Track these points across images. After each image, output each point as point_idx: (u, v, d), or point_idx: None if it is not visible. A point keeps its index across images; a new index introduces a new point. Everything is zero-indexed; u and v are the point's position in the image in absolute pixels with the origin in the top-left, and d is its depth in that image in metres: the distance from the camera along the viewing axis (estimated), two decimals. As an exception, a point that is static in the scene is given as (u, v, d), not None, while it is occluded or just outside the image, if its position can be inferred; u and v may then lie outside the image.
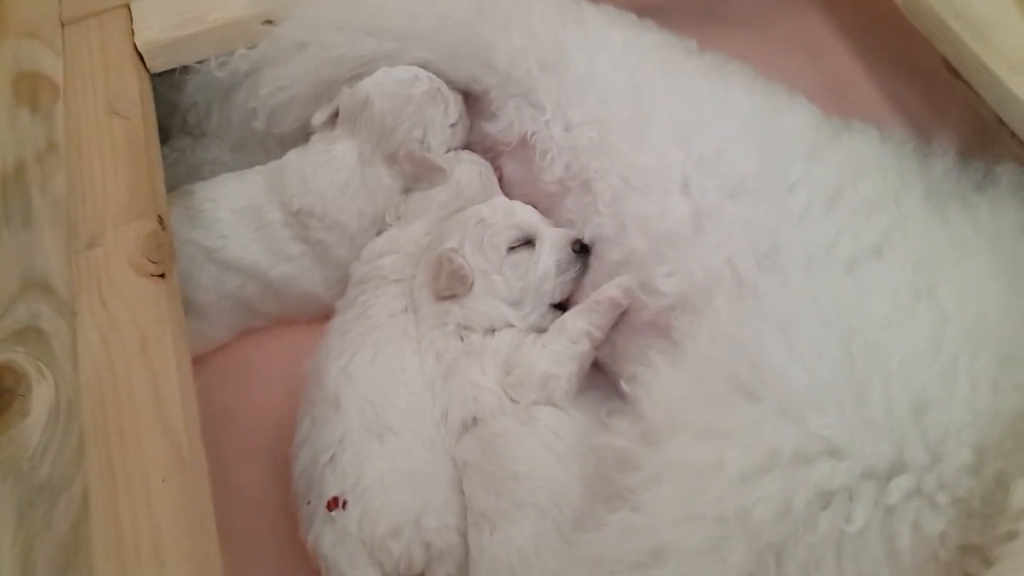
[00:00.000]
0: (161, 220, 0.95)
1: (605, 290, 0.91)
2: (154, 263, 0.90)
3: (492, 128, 1.07)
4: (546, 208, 1.03)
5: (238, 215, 1.08)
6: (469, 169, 1.08)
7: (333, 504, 0.86)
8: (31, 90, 1.06)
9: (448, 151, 1.10)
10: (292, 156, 1.09)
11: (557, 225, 1.00)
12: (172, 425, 0.80)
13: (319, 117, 1.10)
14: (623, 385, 0.84)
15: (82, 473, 0.76)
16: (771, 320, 0.78)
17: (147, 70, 1.11)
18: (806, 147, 0.91)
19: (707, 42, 1.24)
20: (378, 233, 1.08)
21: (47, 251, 0.92)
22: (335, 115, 1.10)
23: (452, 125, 1.10)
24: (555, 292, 0.97)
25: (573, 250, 0.97)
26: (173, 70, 1.13)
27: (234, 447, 1.02)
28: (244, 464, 1.01)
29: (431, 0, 1.07)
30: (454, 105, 1.09)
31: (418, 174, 1.08)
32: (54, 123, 1.03)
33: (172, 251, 0.95)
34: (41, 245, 0.93)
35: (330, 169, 1.07)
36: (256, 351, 1.11)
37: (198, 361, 1.07)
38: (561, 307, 0.98)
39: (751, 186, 0.89)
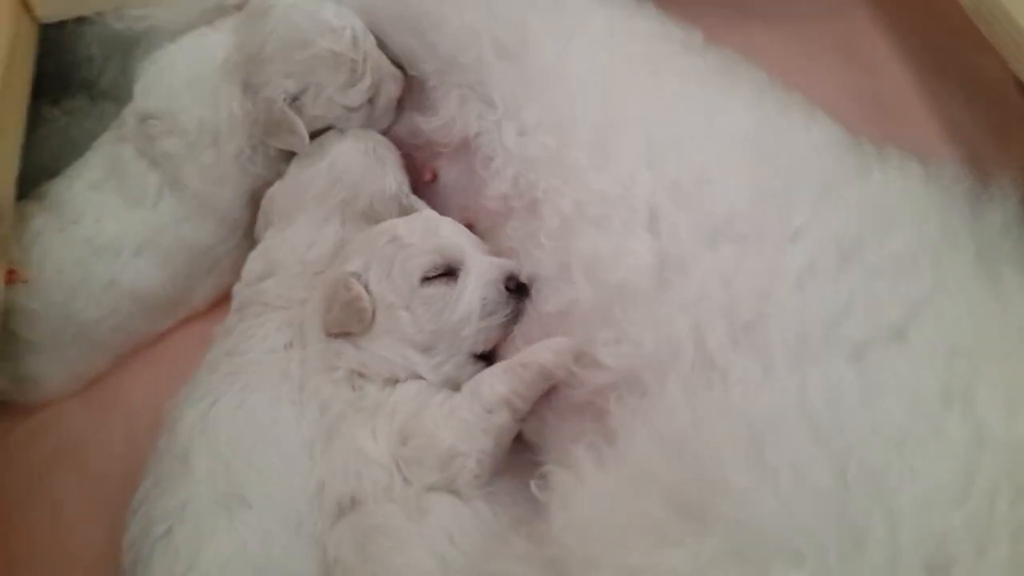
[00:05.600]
0: (-7, 210, 0.77)
1: (536, 351, 0.70)
2: (-32, 266, 0.71)
3: (427, 124, 0.87)
4: (487, 229, 0.83)
5: (96, 189, 0.91)
6: (350, 148, 0.88)
7: None
8: None
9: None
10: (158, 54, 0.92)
11: (497, 253, 0.79)
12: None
13: None
14: (533, 488, 0.62)
15: None
16: (739, 422, 0.58)
17: (32, 19, 0.92)
18: (820, 181, 0.70)
19: (724, 34, 1.04)
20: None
21: None
22: (239, 6, 0.92)
23: (351, 109, 0.89)
24: (477, 340, 0.76)
25: (507, 287, 0.76)
26: (68, 18, 0.94)
27: (78, 496, 0.84)
28: (86, 520, 0.82)
29: None
30: (364, 90, 0.89)
31: (269, 128, 0.88)
32: (-99, 74, 0.84)
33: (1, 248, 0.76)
34: None
35: (191, 54, 0.89)
36: (125, 371, 0.92)
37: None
38: (486, 358, 0.77)
39: (739, 229, 0.67)
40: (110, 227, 0.89)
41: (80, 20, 0.95)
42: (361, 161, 0.87)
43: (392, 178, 0.88)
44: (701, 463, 0.56)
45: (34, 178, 0.92)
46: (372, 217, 0.86)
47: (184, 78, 0.88)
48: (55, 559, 0.80)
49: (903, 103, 1.01)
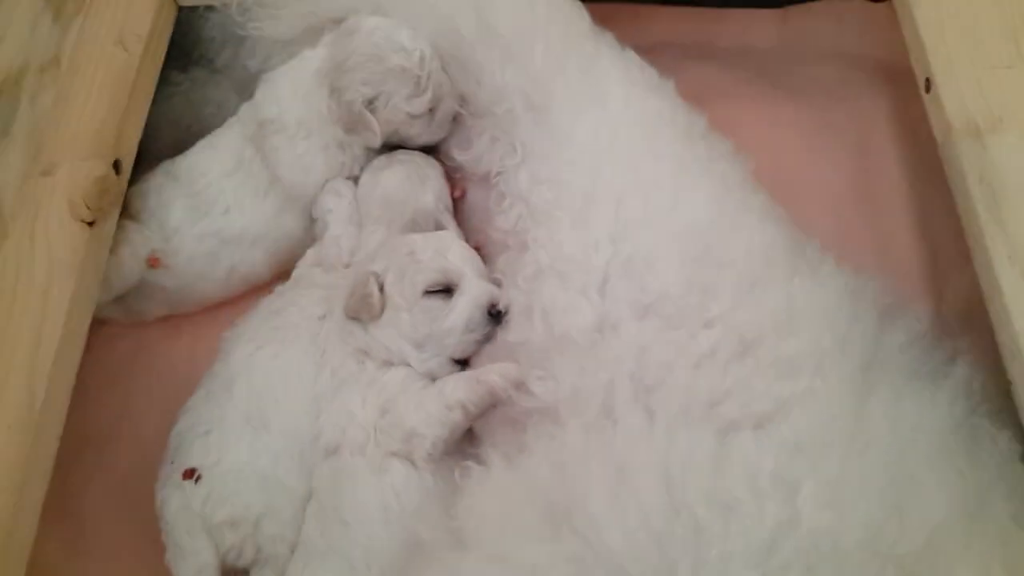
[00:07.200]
0: (117, 166, 0.98)
1: (489, 372, 0.87)
2: (89, 209, 0.93)
3: (460, 155, 1.03)
4: (490, 254, 0.99)
5: (229, 177, 1.09)
6: (395, 175, 1.06)
7: (188, 474, 0.89)
8: (61, -2, 1.08)
9: (395, 135, 1.08)
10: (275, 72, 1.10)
11: (492, 279, 0.96)
12: (38, 376, 0.83)
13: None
14: (456, 475, 0.81)
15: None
16: (610, 464, 0.73)
17: (175, 2, 1.12)
18: (746, 279, 0.83)
19: (754, 107, 1.17)
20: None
21: (10, 166, 0.97)
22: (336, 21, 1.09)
23: (413, 116, 1.06)
24: (457, 349, 0.93)
25: (489, 312, 0.93)
26: (201, 2, 1.14)
27: (144, 391, 1.06)
28: (149, 411, 1.04)
29: (444, 4, 1.01)
30: (425, 101, 1.04)
31: (349, 125, 1.06)
32: (67, 37, 1.06)
33: (116, 199, 0.98)
34: (7, 158, 0.97)
35: (296, 69, 1.08)
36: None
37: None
38: (462, 363, 0.95)
39: (666, 309, 0.82)
40: (236, 219, 1.07)
41: (209, 8, 1.15)
42: (404, 187, 1.05)
43: (431, 195, 1.05)
44: (575, 488, 0.72)
45: (157, 126, 1.12)
46: (415, 228, 1.04)
47: (290, 86, 1.07)
48: (121, 440, 1.03)
49: (888, 193, 1.11)
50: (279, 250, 1.11)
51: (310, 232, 1.11)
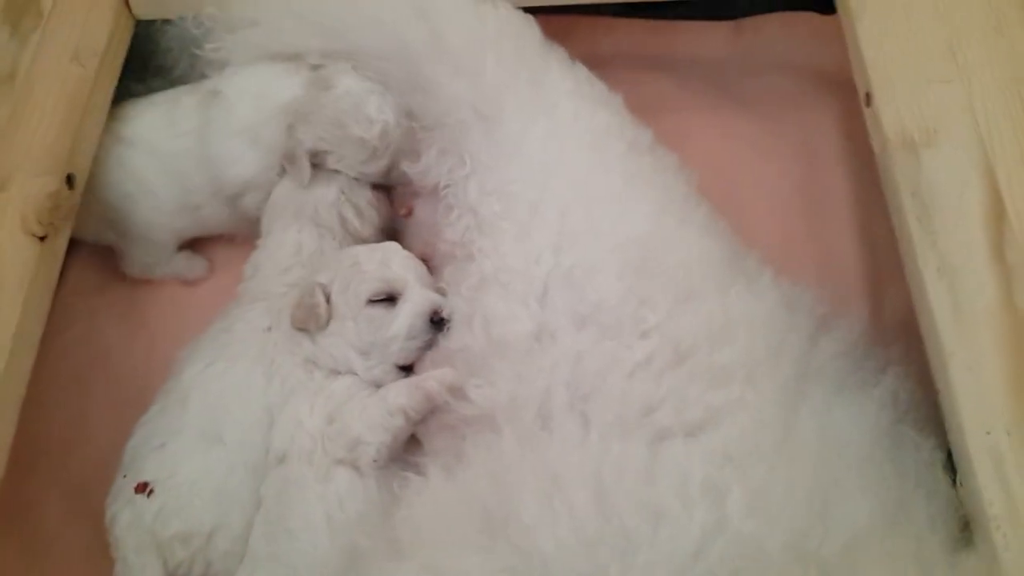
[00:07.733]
0: (70, 180, 0.99)
1: (427, 378, 0.89)
2: (41, 224, 0.94)
3: (410, 168, 1.04)
4: (438, 265, 1.00)
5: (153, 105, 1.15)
6: (327, 191, 1.10)
7: (141, 488, 0.90)
8: (18, 12, 1.09)
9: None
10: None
11: (438, 286, 0.98)
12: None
13: (315, 57, 1.11)
14: (395, 487, 0.82)
15: None
16: (545, 473, 0.75)
17: (131, 15, 1.14)
18: (683, 290, 0.85)
19: (707, 117, 1.19)
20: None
21: (-36, 182, 0.97)
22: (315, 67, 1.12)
23: (366, 174, 1.10)
24: (400, 355, 0.95)
25: (432, 320, 0.94)
26: (158, 14, 1.15)
27: (103, 399, 1.08)
28: (106, 418, 1.05)
29: (393, 20, 1.02)
30: (380, 167, 1.09)
31: (288, 159, 1.09)
32: (24, 52, 1.07)
33: (69, 214, 0.99)
34: (-39, 175, 0.97)
35: (269, 79, 1.11)
36: (153, 306, 1.16)
37: (89, 291, 1.15)
38: (407, 369, 0.96)
39: (603, 319, 0.84)
40: (140, 128, 1.11)
41: (166, 20, 1.16)
42: (335, 200, 1.09)
43: (332, 188, 1.09)
44: (509, 497, 0.74)
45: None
46: (318, 222, 1.08)
47: (256, 91, 1.10)
48: (78, 446, 1.05)
49: (833, 203, 1.13)
50: (172, 188, 1.13)
51: (199, 191, 1.14)
